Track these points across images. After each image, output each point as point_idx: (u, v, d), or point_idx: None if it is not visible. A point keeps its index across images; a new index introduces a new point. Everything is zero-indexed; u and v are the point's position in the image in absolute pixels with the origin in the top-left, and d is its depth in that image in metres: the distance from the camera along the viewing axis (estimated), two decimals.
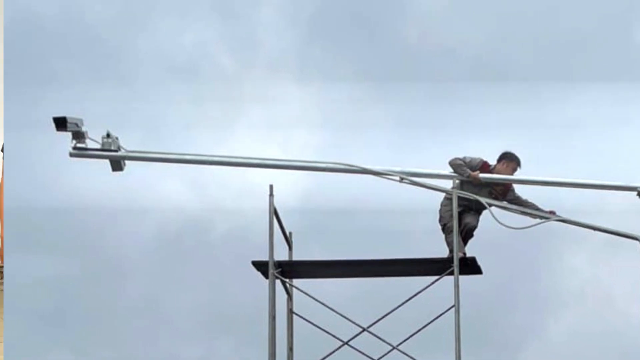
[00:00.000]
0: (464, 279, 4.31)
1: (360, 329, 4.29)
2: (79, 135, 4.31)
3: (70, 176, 5.41)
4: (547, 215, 4.43)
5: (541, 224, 4.42)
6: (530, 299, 5.82)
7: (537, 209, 4.46)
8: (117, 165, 4.41)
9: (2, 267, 8.24)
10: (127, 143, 4.39)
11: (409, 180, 4.39)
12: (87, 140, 4.35)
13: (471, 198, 4.42)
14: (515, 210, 4.45)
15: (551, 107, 6.12)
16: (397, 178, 4.40)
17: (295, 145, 6.10)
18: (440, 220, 4.48)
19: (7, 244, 5.99)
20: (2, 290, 7.74)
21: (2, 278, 8.32)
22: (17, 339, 5.44)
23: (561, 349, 5.67)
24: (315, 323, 4.35)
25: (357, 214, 5.14)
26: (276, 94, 6.68)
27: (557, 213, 4.45)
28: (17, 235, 5.83)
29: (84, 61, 6.47)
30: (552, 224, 4.45)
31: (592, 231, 4.44)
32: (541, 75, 6.31)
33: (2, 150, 6.29)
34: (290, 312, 4.59)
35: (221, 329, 5.77)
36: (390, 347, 4.26)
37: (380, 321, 4.29)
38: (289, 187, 4.96)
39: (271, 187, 4.35)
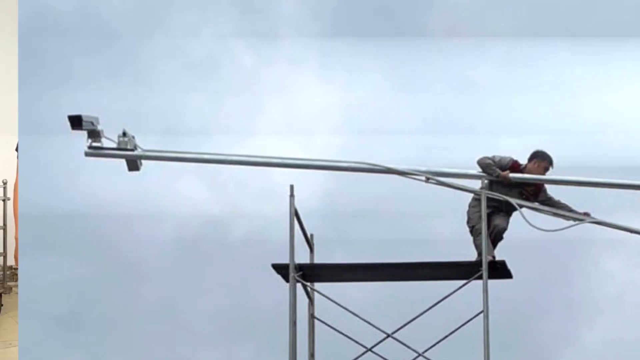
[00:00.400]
0: (493, 284, 4.29)
1: (385, 335, 4.30)
2: (94, 134, 4.37)
3: (86, 177, 5.48)
4: (581, 217, 4.39)
5: (575, 226, 4.39)
6: (563, 305, 5.75)
7: (571, 210, 4.42)
8: (133, 164, 4.46)
9: (16, 269, 8.37)
10: (144, 142, 4.44)
11: (435, 180, 4.38)
12: (103, 139, 4.40)
13: (501, 199, 4.40)
14: (547, 211, 4.42)
15: (586, 103, 6.05)
16: (423, 178, 4.39)
17: (316, 144, 6.11)
18: (468, 222, 4.47)
19: (22, 245, 6.08)
20: (17, 293, 7.86)
21: (16, 280, 8.44)
22: (32, 343, 5.52)
23: (596, 358, 5.60)
24: (337, 328, 4.36)
25: (381, 215, 5.14)
26: (297, 91, 6.69)
27: (592, 215, 4.41)
28: (32, 237, 5.90)
29: (99, 58, 6.53)
30: (587, 226, 4.41)
31: (629, 234, 4.40)
32: (576, 70, 6.24)
33: (17, 150, 6.39)
34: (312, 317, 4.60)
35: (240, 334, 5.80)
36: (416, 354, 4.26)
37: (406, 327, 4.29)
38: (311, 187, 4.97)
39: (292, 187, 4.37)
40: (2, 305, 8.14)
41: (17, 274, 8.42)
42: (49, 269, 6.09)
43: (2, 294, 8.24)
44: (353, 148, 5.49)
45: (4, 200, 8.43)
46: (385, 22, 6.70)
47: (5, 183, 8.34)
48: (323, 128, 6.40)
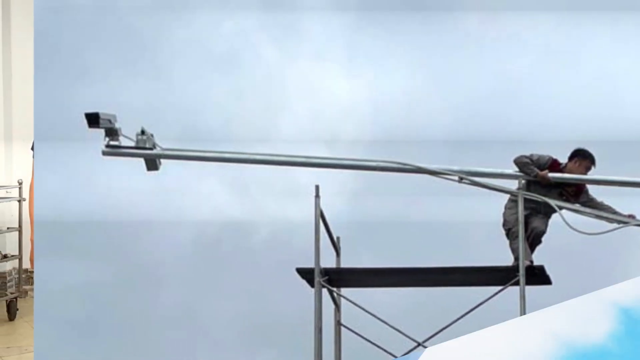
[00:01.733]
0: (531, 290, 4.26)
1: (415, 344, 4.28)
2: (112, 133, 4.42)
3: (104, 177, 5.53)
4: (626, 220, 4.33)
5: (619, 229, 4.33)
6: None
7: (614, 212, 4.37)
8: (152, 164, 4.50)
9: (32, 272, 8.49)
10: (163, 140, 4.48)
11: (469, 180, 4.35)
12: (121, 138, 4.45)
13: (539, 200, 4.36)
14: (589, 213, 4.37)
15: (633, 100, 5.96)
16: (456, 178, 4.37)
17: (343, 142, 6.10)
18: (504, 225, 4.44)
19: (38, 248, 6.15)
20: (32, 297, 7.97)
21: (32, 284, 8.56)
22: (48, 349, 5.59)
23: None
24: (365, 336, 4.35)
25: (411, 217, 5.11)
26: (323, 87, 6.69)
27: (638, 217, 4.35)
28: (48, 240, 5.97)
29: (117, 53, 6.59)
30: (631, 229, 4.36)
31: None
32: (622, 63, 6.15)
33: (32, 149, 6.46)
34: (338, 324, 4.60)
35: (263, 341, 5.81)
36: None
37: (437, 335, 4.27)
38: (337, 188, 4.96)
39: (317, 188, 4.38)
40: (17, 309, 8.25)
41: (32, 278, 8.53)
42: (65, 273, 6.16)
43: (18, 298, 8.36)
44: (381, 146, 5.48)
45: (19, 202, 8.54)
46: (416, 13, 6.67)
47: (20, 183, 8.46)
48: (350, 125, 6.38)
